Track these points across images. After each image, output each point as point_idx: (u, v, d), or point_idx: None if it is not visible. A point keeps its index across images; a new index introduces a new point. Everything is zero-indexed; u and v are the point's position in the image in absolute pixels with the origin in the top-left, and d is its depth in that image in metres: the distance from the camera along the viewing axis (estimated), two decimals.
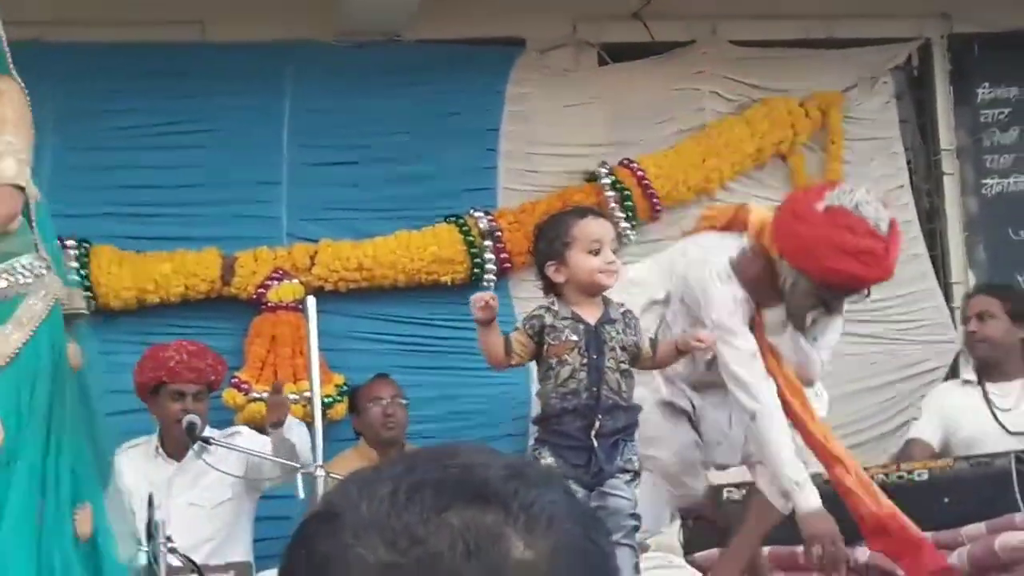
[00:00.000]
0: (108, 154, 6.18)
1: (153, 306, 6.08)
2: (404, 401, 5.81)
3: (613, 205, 6.37)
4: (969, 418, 5.36)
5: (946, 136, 6.93)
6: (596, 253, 4.04)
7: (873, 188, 4.28)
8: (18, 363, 3.70)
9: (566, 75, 6.66)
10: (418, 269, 6.25)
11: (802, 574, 4.48)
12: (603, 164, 6.50)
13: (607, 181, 6.46)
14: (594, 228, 4.12)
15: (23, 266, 3.79)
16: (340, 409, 6.00)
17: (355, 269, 6.22)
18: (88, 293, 5.99)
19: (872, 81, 6.83)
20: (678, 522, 5.09)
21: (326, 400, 5.74)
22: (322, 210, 6.34)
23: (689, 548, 4.84)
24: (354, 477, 1.06)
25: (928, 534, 4.38)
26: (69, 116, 5.96)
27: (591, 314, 4.03)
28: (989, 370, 5.47)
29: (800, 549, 4.48)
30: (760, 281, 4.18)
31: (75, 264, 5.97)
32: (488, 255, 6.30)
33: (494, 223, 6.35)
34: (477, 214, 6.36)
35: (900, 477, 4.57)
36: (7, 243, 3.79)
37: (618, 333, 4.02)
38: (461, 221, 6.35)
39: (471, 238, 6.31)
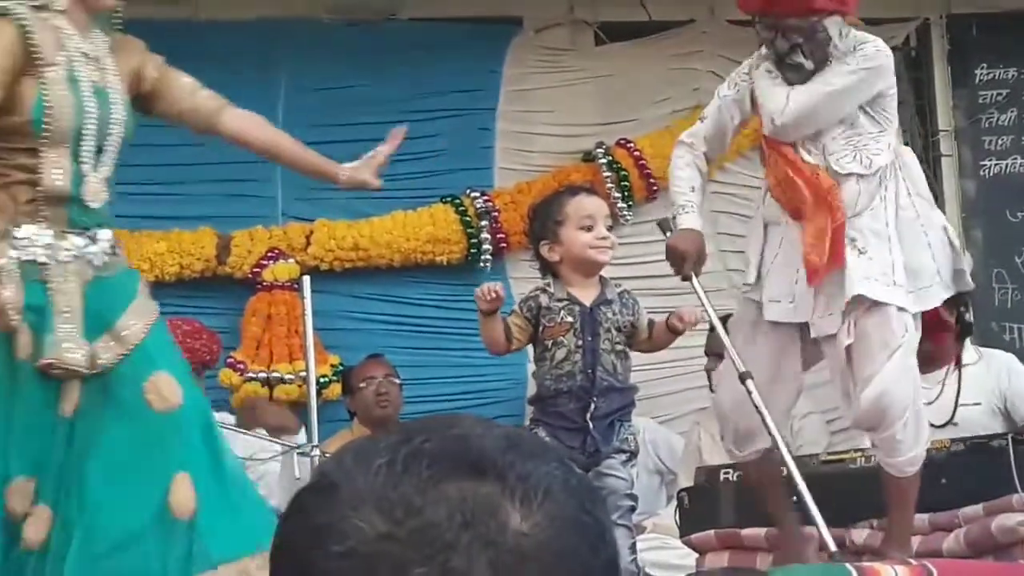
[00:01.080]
0: None
1: (147, 285, 6.05)
2: (397, 380, 5.81)
3: (610, 185, 6.37)
4: None
5: (944, 117, 6.92)
6: (589, 229, 4.04)
7: None
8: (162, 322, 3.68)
9: (563, 54, 6.65)
10: (414, 249, 6.24)
11: (745, 553, 4.47)
12: (600, 144, 6.49)
13: (604, 161, 6.45)
14: (586, 204, 4.11)
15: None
16: (335, 389, 6.00)
17: (351, 249, 6.21)
18: None
19: None
20: (674, 504, 5.09)
21: (321, 380, 5.74)
22: (318, 190, 6.30)
23: (685, 530, 4.84)
24: (350, 448, 1.05)
25: (925, 515, 4.38)
26: None
27: (587, 295, 4.02)
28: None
29: (743, 532, 4.47)
30: None
31: None
32: (484, 235, 6.29)
33: (490, 203, 6.33)
34: (473, 194, 6.34)
35: None
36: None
37: (614, 314, 4.02)
38: (457, 201, 6.33)
39: (467, 218, 6.29)
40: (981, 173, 6.93)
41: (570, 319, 3.98)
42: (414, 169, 6.37)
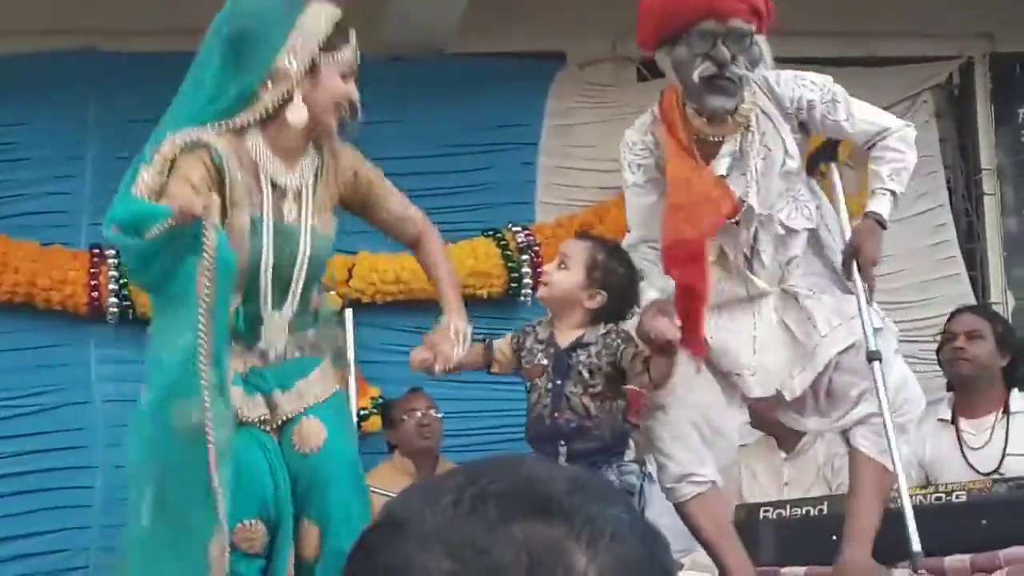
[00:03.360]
0: None
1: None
2: (438, 413, 5.82)
3: None
4: (945, 463, 5.17)
5: (986, 156, 6.90)
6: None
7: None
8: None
9: (606, 90, 6.66)
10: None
11: None
12: None
13: None
14: None
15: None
16: (375, 422, 6.00)
17: (392, 282, 6.22)
18: (127, 302, 6.02)
19: (912, 99, 6.80)
20: None
21: (361, 413, 5.75)
22: (360, 222, 6.33)
23: None
24: (417, 487, 1.06)
25: (966, 556, 4.35)
26: (115, 124, 5.98)
27: (566, 337, 3.97)
28: (966, 398, 5.24)
29: (783, 570, 4.44)
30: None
31: (114, 273, 6.00)
32: (525, 269, 6.30)
33: (531, 237, 6.35)
34: (515, 228, 6.36)
35: (938, 499, 4.52)
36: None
37: (588, 356, 3.93)
38: (499, 235, 6.35)
39: (508, 252, 6.31)
40: (1023, 212, 6.90)
41: (545, 362, 3.94)
42: (456, 203, 6.40)
